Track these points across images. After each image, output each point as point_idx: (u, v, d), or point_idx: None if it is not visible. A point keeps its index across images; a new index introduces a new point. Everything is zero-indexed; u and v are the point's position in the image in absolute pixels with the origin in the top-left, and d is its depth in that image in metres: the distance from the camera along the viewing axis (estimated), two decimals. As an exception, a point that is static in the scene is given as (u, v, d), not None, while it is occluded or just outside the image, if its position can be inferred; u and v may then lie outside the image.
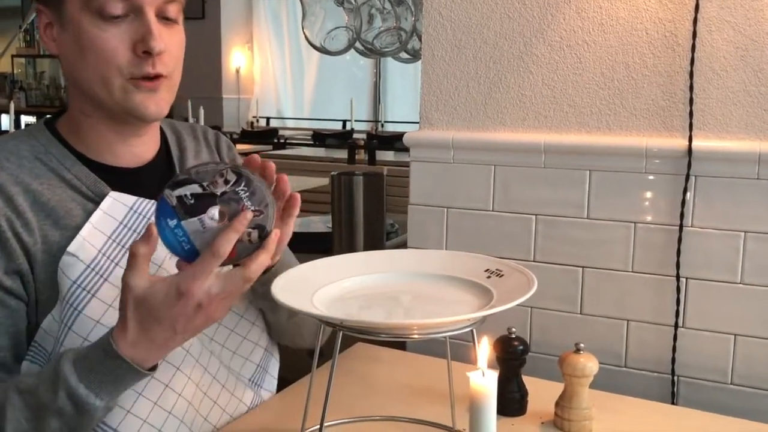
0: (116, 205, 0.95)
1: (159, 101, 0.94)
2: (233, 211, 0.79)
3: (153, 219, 0.80)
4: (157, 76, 0.92)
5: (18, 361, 0.91)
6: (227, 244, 0.77)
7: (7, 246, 0.88)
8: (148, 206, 0.97)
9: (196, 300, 0.78)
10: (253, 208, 0.80)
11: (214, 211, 0.79)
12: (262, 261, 0.80)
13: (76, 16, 0.90)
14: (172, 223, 0.79)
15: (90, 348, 0.83)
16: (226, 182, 0.79)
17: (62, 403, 0.81)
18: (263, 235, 0.81)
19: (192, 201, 0.79)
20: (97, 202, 0.94)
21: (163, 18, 0.93)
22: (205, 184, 0.79)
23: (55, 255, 0.90)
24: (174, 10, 0.94)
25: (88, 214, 0.93)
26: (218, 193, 0.79)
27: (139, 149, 1.00)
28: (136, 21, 0.90)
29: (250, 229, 0.80)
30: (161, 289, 0.78)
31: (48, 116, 1.02)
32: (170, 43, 0.93)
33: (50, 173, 0.94)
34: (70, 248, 0.90)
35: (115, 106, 0.93)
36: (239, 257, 0.80)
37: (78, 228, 0.92)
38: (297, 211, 0.90)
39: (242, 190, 0.80)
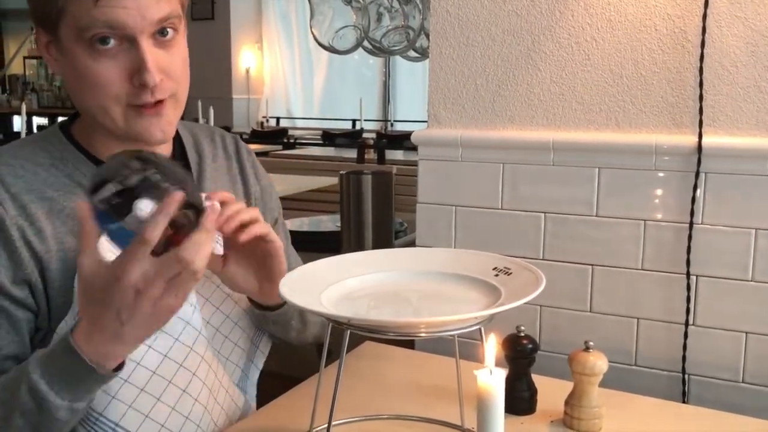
0: None
1: (164, 125, 0.92)
2: (159, 195, 0.75)
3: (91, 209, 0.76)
4: (158, 101, 0.90)
5: None
6: (155, 229, 0.73)
7: (15, 255, 0.88)
8: None
9: (131, 284, 0.73)
10: (174, 188, 0.75)
11: (141, 203, 0.75)
12: (198, 239, 0.74)
13: (71, 45, 0.88)
14: (114, 226, 0.76)
15: (55, 343, 0.81)
16: (135, 171, 0.75)
17: (24, 398, 0.79)
18: (199, 212, 0.77)
19: (117, 200, 0.75)
20: None
21: (161, 38, 0.89)
22: (118, 180, 0.75)
23: (72, 261, 0.89)
24: (171, 26, 0.90)
25: None
26: (133, 185, 0.75)
27: None
28: (131, 50, 0.87)
29: (184, 210, 0.76)
30: (101, 271, 0.75)
31: (64, 119, 1.01)
32: (170, 66, 0.90)
33: (66, 179, 0.93)
34: None
35: (119, 131, 0.91)
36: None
37: None
38: (231, 210, 0.87)
39: (153, 174, 0.76)
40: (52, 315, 0.91)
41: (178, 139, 1.07)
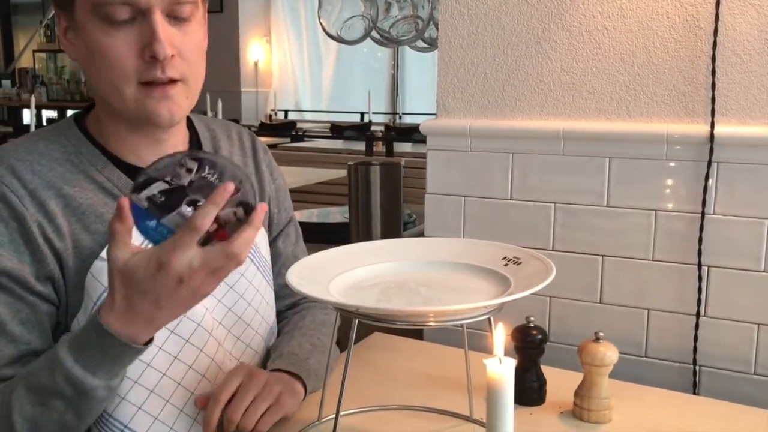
0: None
1: (172, 107, 0.91)
2: (207, 195, 0.77)
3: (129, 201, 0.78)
4: (169, 81, 0.89)
5: None
6: (204, 218, 0.75)
7: (38, 252, 0.88)
8: None
9: (176, 273, 0.75)
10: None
11: (189, 202, 0.79)
12: (247, 236, 0.77)
13: (85, 21, 0.88)
14: (152, 223, 0.79)
15: (82, 328, 0.82)
16: (189, 171, 0.79)
17: (61, 386, 0.81)
18: (249, 210, 0.79)
19: (163, 198, 0.78)
20: None
21: (175, 18, 0.90)
22: (168, 178, 0.78)
23: (86, 260, 0.90)
24: (186, 10, 0.90)
25: None
26: (185, 184, 0.79)
27: (164, 150, 0.97)
28: (143, 24, 0.87)
29: (234, 208, 0.78)
30: (142, 260, 0.76)
31: (77, 111, 1.01)
32: (182, 46, 0.90)
33: (81, 175, 0.93)
34: (104, 254, 0.88)
35: (129, 112, 0.91)
36: (230, 236, 0.78)
37: None
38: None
39: (209, 173, 0.79)
40: (69, 311, 0.91)
41: (194, 134, 1.06)
